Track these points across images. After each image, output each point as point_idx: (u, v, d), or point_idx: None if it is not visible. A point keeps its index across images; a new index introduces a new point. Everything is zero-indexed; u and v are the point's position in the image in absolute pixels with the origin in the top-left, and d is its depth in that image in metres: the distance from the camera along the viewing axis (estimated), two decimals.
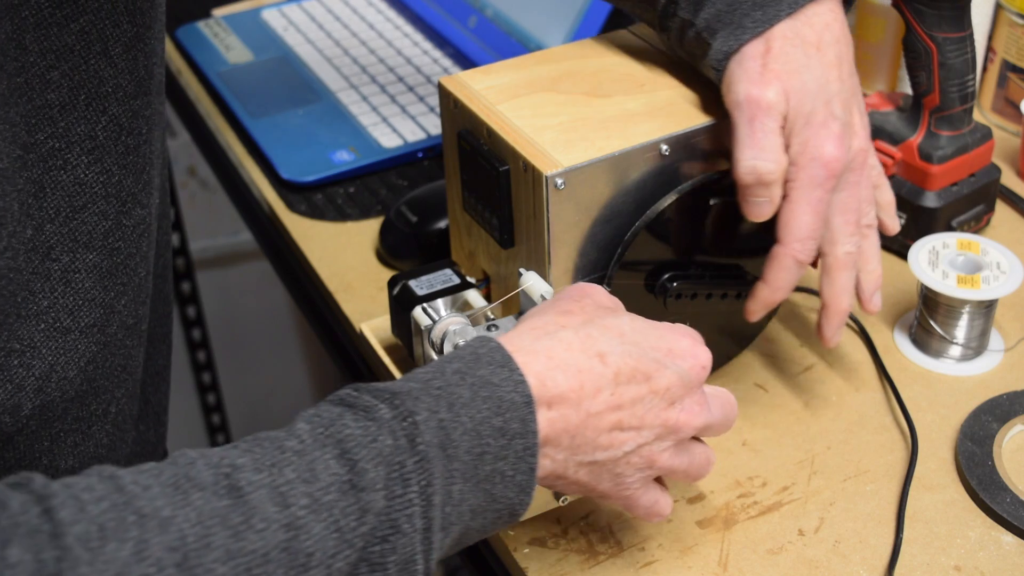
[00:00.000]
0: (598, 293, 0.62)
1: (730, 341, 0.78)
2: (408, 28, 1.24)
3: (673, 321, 0.73)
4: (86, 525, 0.44)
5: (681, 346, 0.59)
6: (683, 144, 0.70)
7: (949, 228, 0.89)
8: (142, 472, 0.48)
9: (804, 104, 0.65)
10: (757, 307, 0.71)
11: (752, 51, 0.66)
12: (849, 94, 0.68)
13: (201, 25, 1.27)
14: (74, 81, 0.56)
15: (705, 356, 0.59)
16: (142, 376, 0.71)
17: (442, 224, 0.90)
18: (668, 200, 0.69)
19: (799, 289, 0.86)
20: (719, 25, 0.68)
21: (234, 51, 1.22)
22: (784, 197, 0.66)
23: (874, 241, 0.72)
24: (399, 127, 1.08)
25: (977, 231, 0.92)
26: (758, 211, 0.67)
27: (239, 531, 0.47)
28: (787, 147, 0.66)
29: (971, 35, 0.86)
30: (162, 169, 0.68)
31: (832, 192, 0.66)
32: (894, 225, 0.76)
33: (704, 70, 0.70)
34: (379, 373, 0.83)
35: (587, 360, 0.56)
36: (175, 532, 0.45)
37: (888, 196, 0.75)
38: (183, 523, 0.46)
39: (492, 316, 0.72)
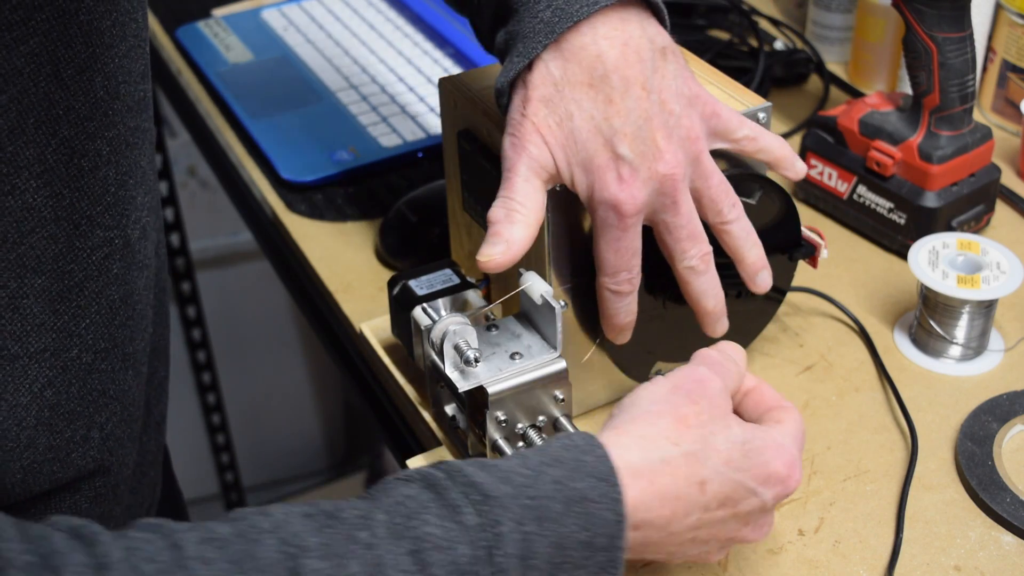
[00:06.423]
0: (714, 387, 0.61)
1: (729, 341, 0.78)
2: (408, 28, 1.24)
3: (672, 321, 0.74)
4: None
5: (779, 472, 0.60)
6: None
7: (949, 228, 0.89)
8: (207, 542, 0.47)
9: (577, 152, 0.64)
10: (609, 332, 0.71)
11: (516, 100, 0.65)
12: (641, 121, 0.63)
13: (201, 25, 1.27)
14: (23, 105, 0.54)
15: (796, 481, 0.60)
16: (146, 391, 0.70)
17: (442, 224, 0.90)
18: None
19: (799, 289, 0.86)
20: (504, 56, 0.67)
21: (234, 51, 1.22)
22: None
23: (737, 231, 0.69)
24: (399, 127, 1.08)
25: (977, 231, 0.92)
26: (488, 249, 0.65)
27: None
28: (579, 193, 0.65)
29: (971, 35, 0.86)
30: (153, 186, 0.66)
31: (632, 228, 0.65)
32: (796, 171, 0.72)
33: None
34: (379, 373, 0.83)
35: (687, 488, 0.57)
36: None
37: (778, 152, 0.71)
38: None
39: (492, 316, 0.72)
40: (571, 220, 0.69)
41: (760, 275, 0.71)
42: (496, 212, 0.65)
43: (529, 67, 0.64)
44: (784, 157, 0.72)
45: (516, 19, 0.65)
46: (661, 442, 0.58)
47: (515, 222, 0.65)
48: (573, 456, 0.55)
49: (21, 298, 0.57)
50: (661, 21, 0.67)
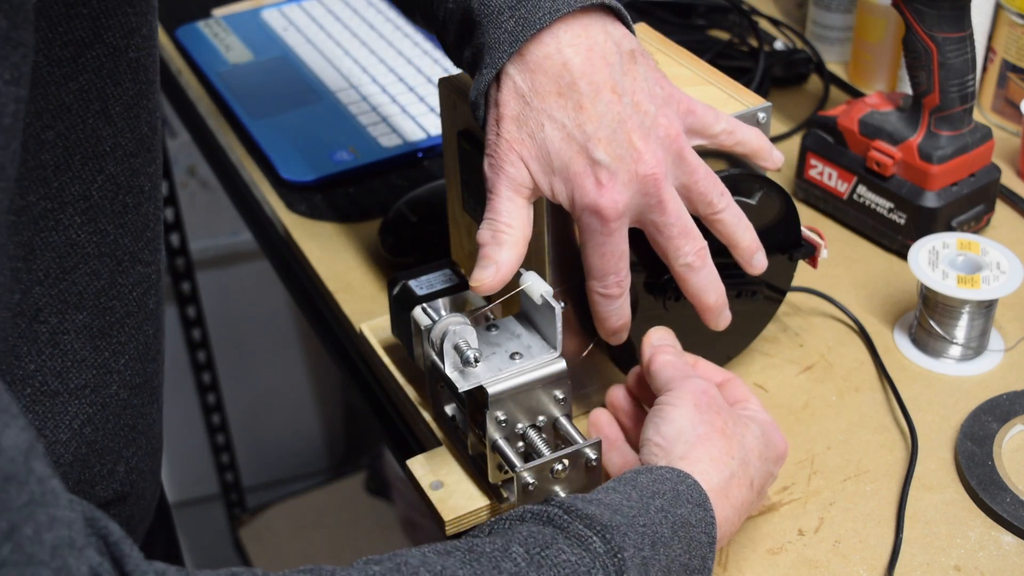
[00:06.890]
0: (715, 391, 0.66)
1: (730, 341, 0.78)
2: (408, 28, 1.24)
3: (671, 321, 0.74)
4: None
5: (781, 448, 0.68)
6: None
7: (949, 228, 0.89)
8: None
9: (552, 162, 0.64)
10: (604, 334, 0.71)
11: (490, 119, 0.65)
12: (615, 124, 0.63)
13: (201, 25, 1.27)
14: (70, 141, 0.54)
15: (787, 450, 0.69)
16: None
17: (442, 224, 0.90)
18: None
19: (799, 289, 0.86)
20: (473, 70, 0.66)
21: (234, 51, 1.22)
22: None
23: (729, 219, 0.69)
24: (399, 127, 1.08)
25: (977, 231, 0.92)
26: (479, 273, 0.65)
27: None
28: (562, 203, 0.65)
29: (971, 35, 0.86)
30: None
31: (616, 232, 0.65)
32: (774, 161, 0.72)
33: None
34: (379, 373, 0.83)
35: (748, 492, 0.64)
36: None
37: (755, 144, 0.71)
38: None
39: (492, 316, 0.72)
40: (570, 220, 0.69)
41: (756, 256, 0.71)
42: (483, 235, 0.65)
43: (497, 83, 0.64)
44: (762, 147, 0.72)
45: (480, 31, 0.65)
46: (726, 460, 0.63)
47: (502, 244, 0.65)
48: (669, 487, 0.60)
49: (62, 334, 0.57)
50: (625, 24, 0.66)
